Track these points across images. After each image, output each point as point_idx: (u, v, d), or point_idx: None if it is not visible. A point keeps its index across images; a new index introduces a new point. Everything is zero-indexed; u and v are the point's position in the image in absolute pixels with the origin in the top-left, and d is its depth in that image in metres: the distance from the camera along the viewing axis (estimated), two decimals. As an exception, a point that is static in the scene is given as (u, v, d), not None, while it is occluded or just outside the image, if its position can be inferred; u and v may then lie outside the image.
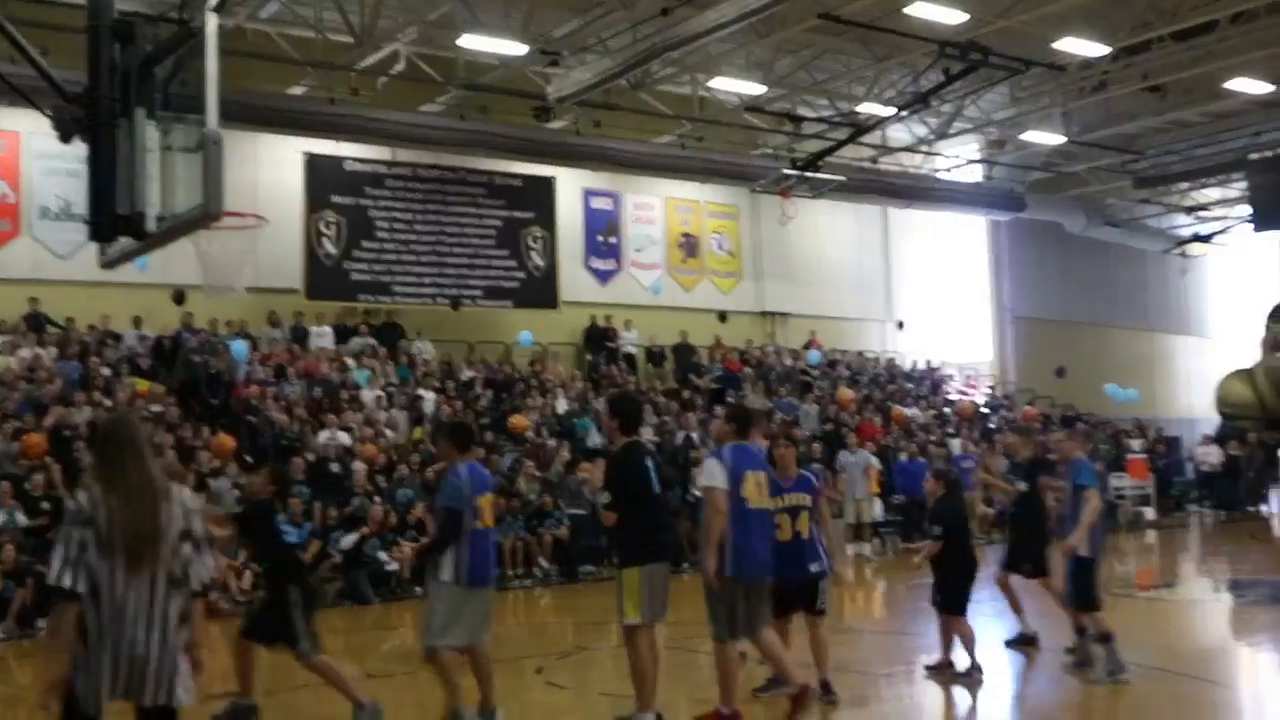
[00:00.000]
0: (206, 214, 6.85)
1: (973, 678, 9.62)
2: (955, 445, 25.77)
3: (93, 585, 4.86)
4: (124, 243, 7.52)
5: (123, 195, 7.07)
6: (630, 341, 27.62)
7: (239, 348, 21.41)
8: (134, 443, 5.14)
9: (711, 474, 8.04)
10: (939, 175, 30.73)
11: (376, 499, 18.38)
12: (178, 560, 5.01)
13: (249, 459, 19.20)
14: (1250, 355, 33.47)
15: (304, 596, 8.63)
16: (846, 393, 26.88)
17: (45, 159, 21.60)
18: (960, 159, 30.66)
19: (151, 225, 7.08)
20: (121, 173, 7.05)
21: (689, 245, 30.02)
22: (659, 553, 8.14)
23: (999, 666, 10.10)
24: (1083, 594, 9.75)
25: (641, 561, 7.97)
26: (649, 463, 8.24)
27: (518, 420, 21.97)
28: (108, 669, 4.88)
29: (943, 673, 9.81)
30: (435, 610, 8.30)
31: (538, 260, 26.69)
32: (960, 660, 9.80)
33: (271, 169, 23.37)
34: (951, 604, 9.78)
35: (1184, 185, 33.40)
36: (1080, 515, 9.73)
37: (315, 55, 21.93)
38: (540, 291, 26.66)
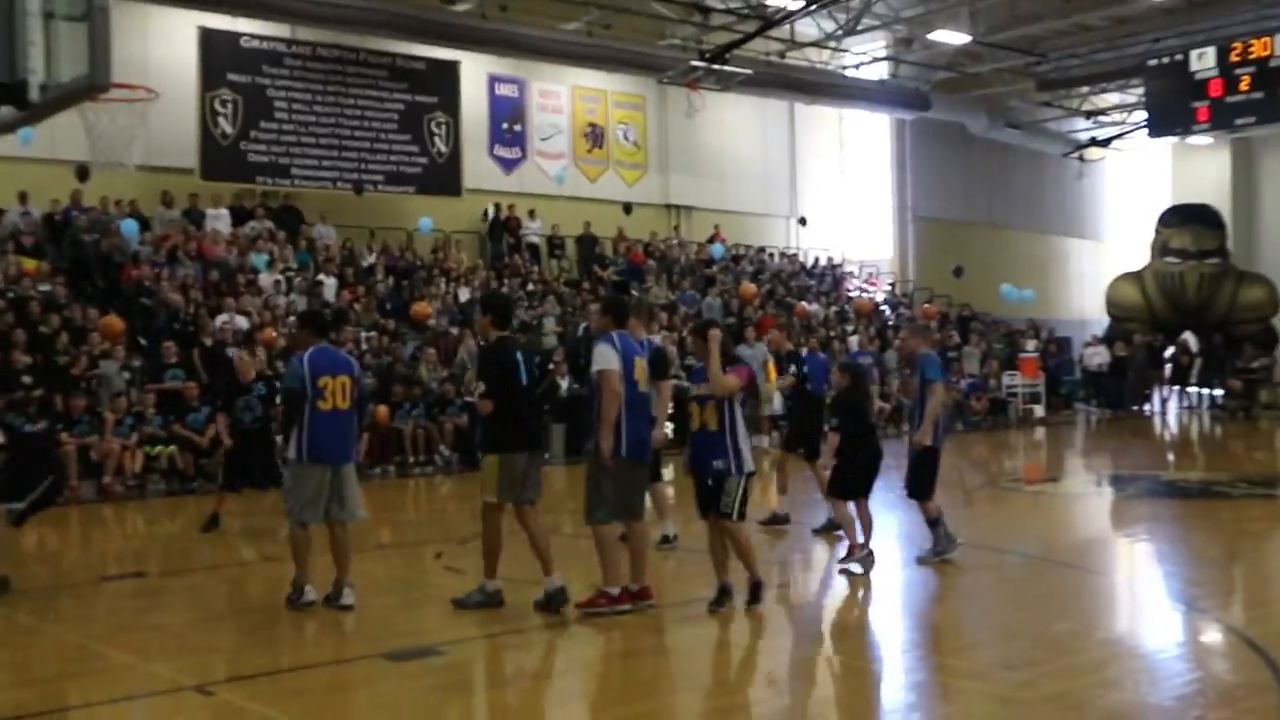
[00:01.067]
0: (93, 84, 6.62)
1: (865, 559, 9.84)
2: (853, 342, 26.10)
3: None
4: (5, 112, 7.23)
5: (3, 62, 6.77)
6: (534, 231, 27.40)
7: (129, 226, 20.80)
8: None
9: (606, 358, 8.13)
10: (846, 72, 30.67)
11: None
12: None
13: (142, 341, 18.81)
14: (1140, 259, 34.26)
15: None
16: (749, 287, 27.01)
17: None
18: (867, 56, 30.61)
19: (35, 94, 6.80)
20: (1, 37, 6.74)
21: (595, 135, 29.72)
22: (521, 443, 8.39)
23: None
24: (924, 484, 10.07)
25: (502, 450, 8.32)
26: (519, 357, 8.51)
27: (420, 308, 21.74)
28: None
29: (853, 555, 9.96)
30: (286, 488, 8.79)
31: (441, 146, 26.23)
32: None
33: (164, 43, 22.54)
34: (854, 490, 9.97)
35: (1084, 89, 33.74)
36: (927, 408, 10.00)
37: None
38: (443, 178, 26.25)
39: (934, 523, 10.04)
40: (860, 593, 9.40)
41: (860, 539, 9.94)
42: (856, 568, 9.69)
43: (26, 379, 16.19)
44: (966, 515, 14.23)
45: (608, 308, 8.78)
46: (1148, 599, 9.53)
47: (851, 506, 10.01)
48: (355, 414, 8.81)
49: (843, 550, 10.14)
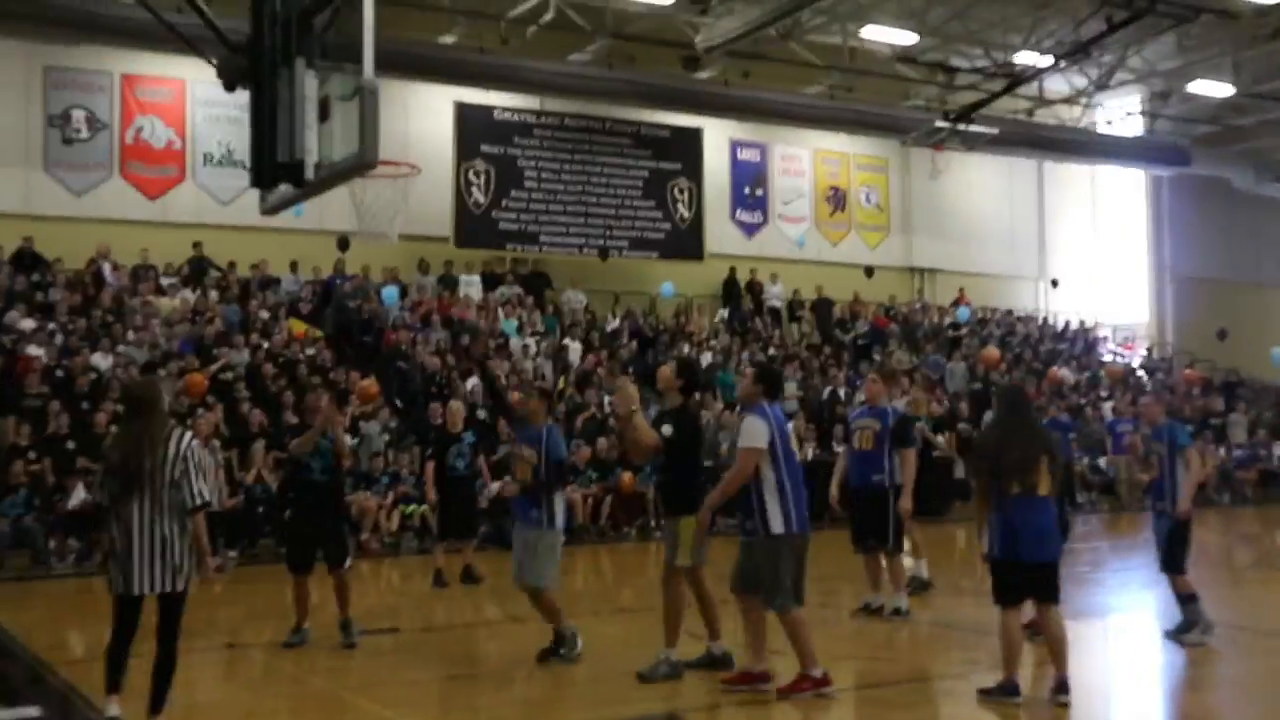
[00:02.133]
0: (362, 162, 6.94)
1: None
2: (1107, 409, 25.04)
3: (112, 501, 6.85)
4: (283, 189, 7.68)
5: (283, 143, 7.19)
6: (775, 295, 27.44)
7: (390, 293, 21.87)
8: (140, 402, 7.12)
9: (755, 434, 7.76)
10: (1098, 128, 29.69)
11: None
12: (169, 487, 6.71)
13: (398, 403, 19.63)
14: None
15: None
16: (992, 352, 26.26)
17: (209, 106, 22.34)
18: (1121, 111, 29.57)
19: (310, 173, 7.21)
20: (282, 121, 7.18)
21: (837, 198, 29.65)
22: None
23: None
24: (1179, 557, 9.55)
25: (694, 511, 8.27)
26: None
27: (664, 372, 21.93)
28: (114, 564, 6.83)
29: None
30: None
31: (684, 212, 26.64)
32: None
33: (422, 118, 23.72)
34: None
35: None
36: (1185, 476, 9.50)
37: (466, 4, 22.12)
38: (686, 243, 26.64)
39: (1188, 599, 9.47)
40: (1111, 671, 8.93)
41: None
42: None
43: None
44: (1234, 596, 13.39)
45: (761, 376, 8.27)
46: None
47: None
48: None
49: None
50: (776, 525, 7.69)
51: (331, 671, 8.86)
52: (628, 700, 7.86)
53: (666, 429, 8.49)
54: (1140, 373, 29.75)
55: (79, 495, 15.46)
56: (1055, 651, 7.69)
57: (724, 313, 26.36)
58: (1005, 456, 7.71)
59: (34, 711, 7.82)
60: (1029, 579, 7.68)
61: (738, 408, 10.28)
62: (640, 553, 17.36)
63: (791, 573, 7.78)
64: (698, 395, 9.00)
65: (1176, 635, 9.45)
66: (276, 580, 12.54)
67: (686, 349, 24.03)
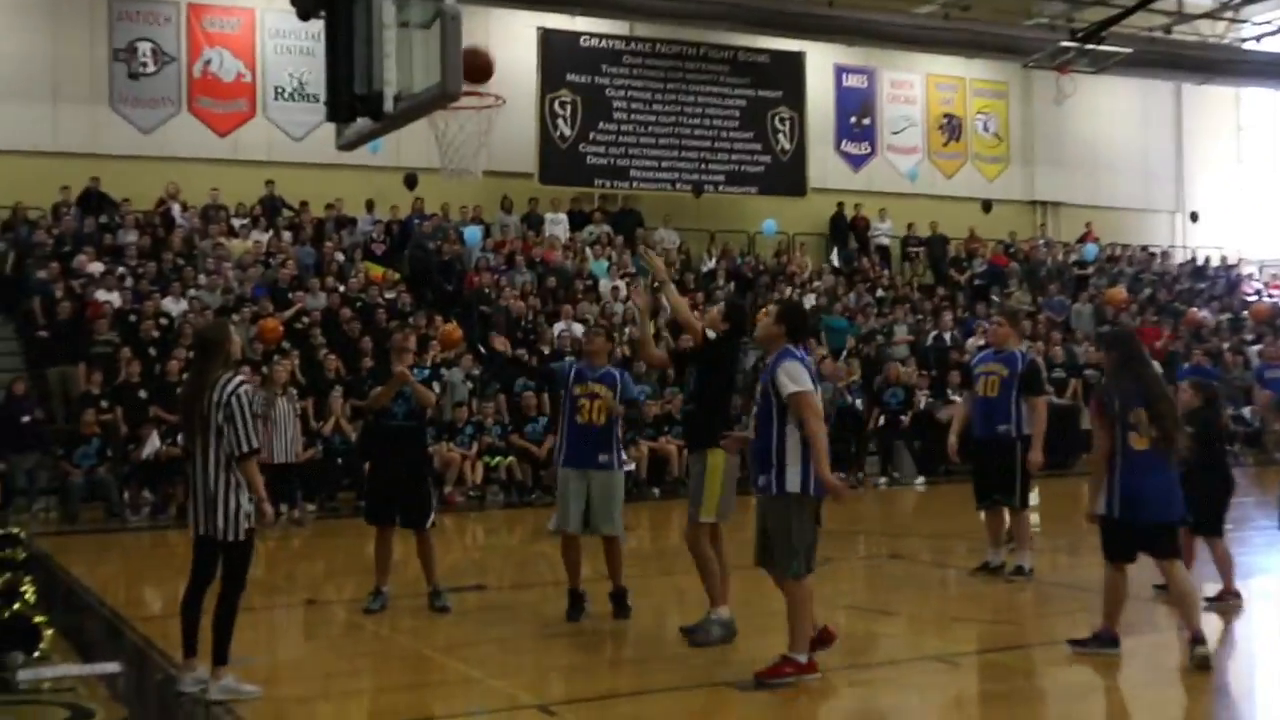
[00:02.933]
0: (444, 93, 6.97)
1: (1227, 604, 9.27)
2: (1253, 353, 24.45)
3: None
4: (360, 124, 7.75)
5: (360, 74, 7.25)
6: (884, 232, 27.16)
7: (472, 234, 22.05)
8: (202, 345, 7.58)
9: (798, 377, 7.32)
10: (1245, 45, 28.80)
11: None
12: (215, 433, 7.01)
13: (482, 349, 19.81)
14: None
15: None
16: (1118, 292, 25.79)
17: (280, 37, 22.65)
18: (1271, 25, 28.63)
19: (389, 105, 7.26)
20: (359, 50, 7.22)
21: (951, 127, 29.20)
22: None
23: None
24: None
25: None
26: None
27: (759, 316, 21.92)
28: (191, 503, 7.27)
29: (1223, 601, 9.40)
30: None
31: (785, 143, 26.42)
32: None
33: (504, 46, 23.60)
34: (1209, 524, 9.31)
35: None
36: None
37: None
38: (787, 177, 26.43)
39: None
40: (1249, 644, 8.81)
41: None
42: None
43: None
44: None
45: (783, 316, 7.78)
46: None
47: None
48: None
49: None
50: (793, 483, 7.29)
51: (415, 631, 9.06)
52: (725, 663, 7.93)
53: (710, 334, 8.52)
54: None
55: (152, 445, 15.90)
56: (1185, 606, 7.68)
57: (834, 253, 26.18)
58: (1125, 407, 7.64)
59: (112, 667, 8.11)
60: (1146, 539, 7.66)
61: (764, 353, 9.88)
62: (743, 505, 17.38)
63: (808, 537, 7.44)
64: (748, 335, 8.99)
65: None
66: (356, 535, 12.82)
67: (788, 291, 23.91)
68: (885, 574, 11.91)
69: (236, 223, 21.57)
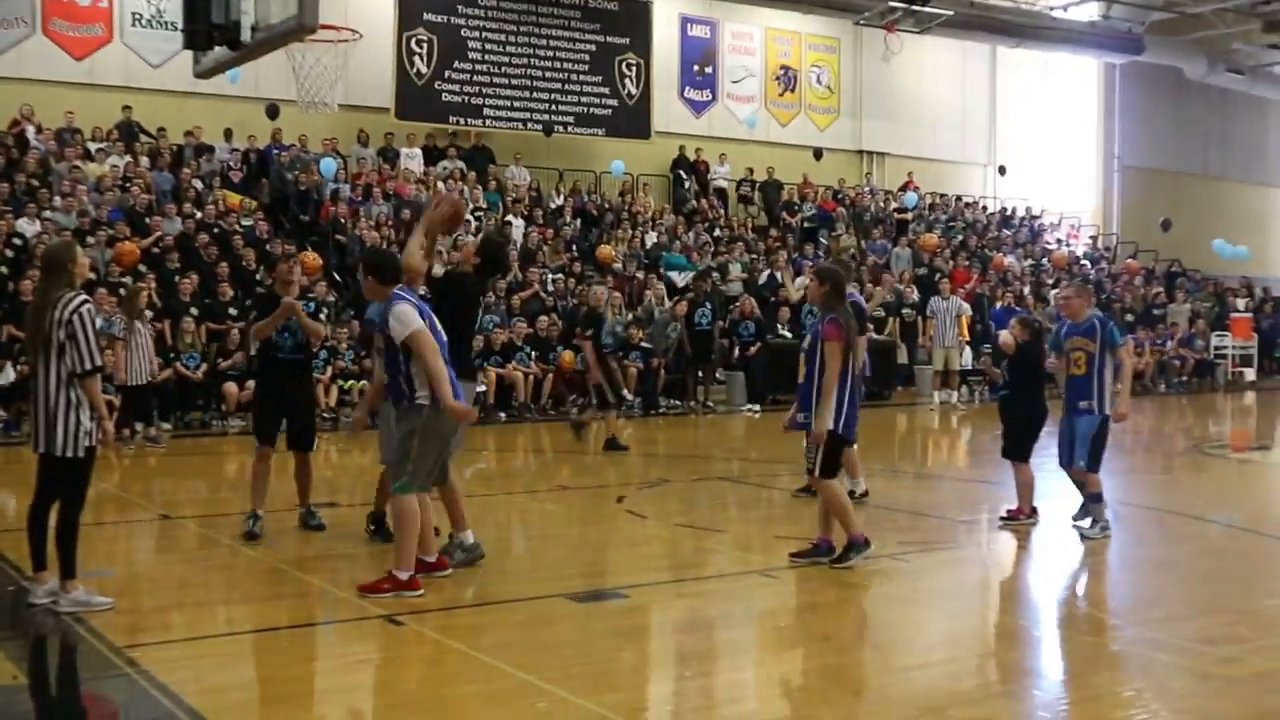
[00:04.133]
0: (301, 26, 6.82)
1: (1025, 521, 9.69)
2: (1053, 296, 25.31)
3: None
4: (217, 52, 7.52)
5: (218, 3, 7.03)
6: (723, 176, 27.33)
7: (328, 165, 21.53)
8: (46, 263, 7.24)
9: (407, 320, 7.23)
10: (1053, 13, 29.56)
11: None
12: (55, 350, 6.73)
13: (337, 277, 19.47)
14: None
15: None
16: (930, 238, 26.44)
17: (139, -36, 21.64)
18: (1075, -3, 29.46)
19: (246, 35, 7.05)
20: (216, -22, 7.01)
21: (787, 79, 29.41)
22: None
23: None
24: (1098, 456, 9.44)
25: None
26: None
27: (604, 251, 21.98)
28: (31, 421, 6.96)
29: (1015, 520, 9.81)
30: None
31: (631, 88, 26.31)
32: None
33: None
34: (1015, 452, 9.77)
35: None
36: (1120, 374, 9.43)
37: None
38: (633, 121, 26.35)
39: (1098, 497, 9.52)
40: (1043, 559, 9.19)
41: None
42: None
43: (232, 311, 16.97)
44: (1166, 481, 13.78)
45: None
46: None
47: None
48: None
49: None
50: (422, 399, 7.25)
51: (267, 545, 8.90)
52: (564, 579, 7.97)
53: (437, 269, 8.31)
54: (1084, 261, 30.10)
55: (6, 375, 15.28)
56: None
57: (677, 191, 26.26)
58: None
59: (-36, 581, 7.80)
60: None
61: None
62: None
63: (425, 458, 7.36)
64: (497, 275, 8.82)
65: (1092, 535, 9.43)
66: (209, 454, 12.53)
67: (632, 229, 23.95)
68: (716, 494, 12.09)
69: (93, 147, 20.68)
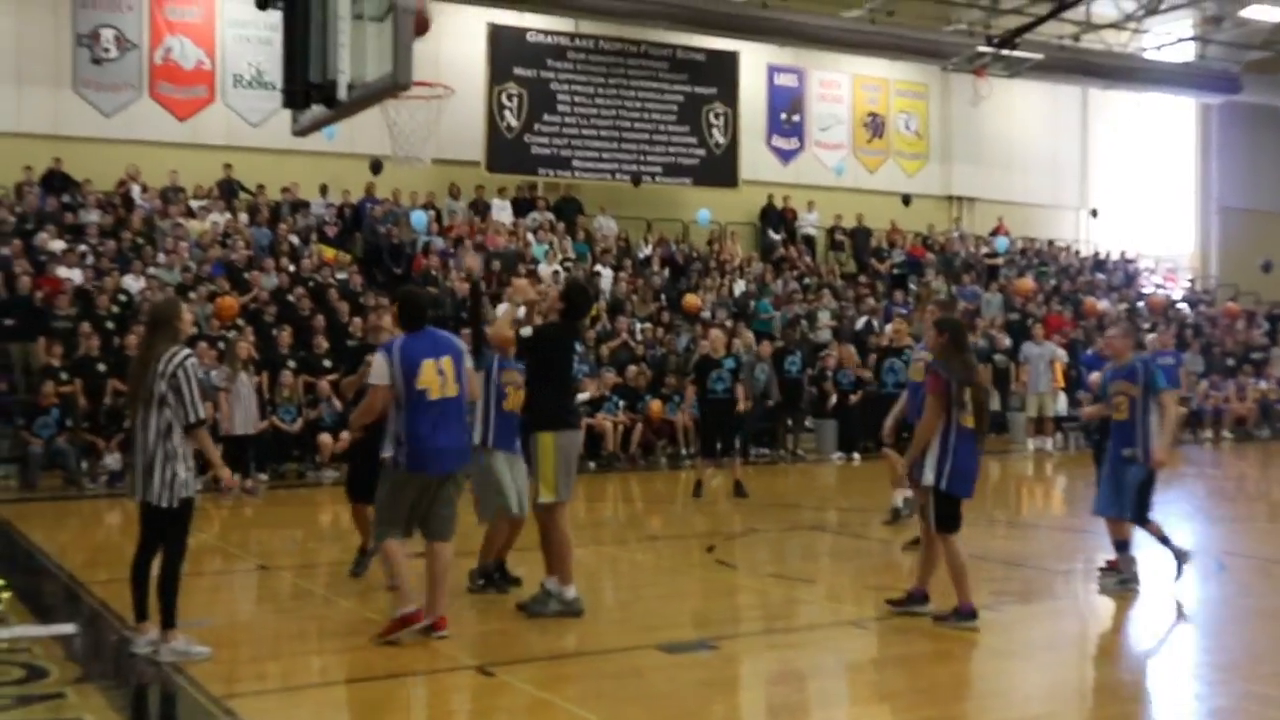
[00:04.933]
0: (395, 83, 6.91)
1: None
2: (1150, 340, 24.78)
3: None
4: (315, 111, 7.66)
5: (315, 62, 7.18)
6: (810, 223, 27.29)
7: (419, 218, 21.87)
8: (151, 319, 7.41)
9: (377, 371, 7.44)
10: (1146, 54, 29.17)
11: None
12: (156, 403, 6.90)
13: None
14: None
15: None
16: (1025, 283, 26.10)
17: (239, 26, 22.34)
18: (1171, 36, 29.01)
19: (342, 93, 7.19)
20: (314, 40, 7.15)
21: (875, 125, 29.35)
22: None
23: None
24: (1145, 506, 9.05)
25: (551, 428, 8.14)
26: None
27: (691, 300, 22.01)
28: (130, 472, 7.15)
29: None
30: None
31: (719, 138, 26.43)
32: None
33: (455, 40, 23.55)
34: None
35: None
36: (1164, 423, 8.97)
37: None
38: (720, 170, 26.45)
39: (1125, 545, 9.16)
40: (1143, 611, 8.95)
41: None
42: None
43: (326, 363, 17.25)
44: (1272, 530, 13.42)
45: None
46: None
47: None
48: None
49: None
50: (387, 453, 7.51)
51: (360, 595, 8.98)
52: (655, 629, 7.93)
53: (526, 330, 8.30)
54: (1183, 305, 29.47)
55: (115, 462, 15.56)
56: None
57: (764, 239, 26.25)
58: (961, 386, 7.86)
59: (68, 629, 7.98)
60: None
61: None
62: (671, 480, 17.46)
63: (393, 508, 7.50)
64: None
65: (1110, 590, 9.16)
66: (304, 504, 12.68)
67: (720, 277, 23.97)
68: (806, 544, 11.98)
69: (195, 204, 21.26)
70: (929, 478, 7.85)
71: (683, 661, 7.13)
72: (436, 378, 7.44)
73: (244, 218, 21.14)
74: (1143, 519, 9.10)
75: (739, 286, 23.84)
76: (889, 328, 16.31)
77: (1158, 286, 30.36)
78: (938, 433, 7.82)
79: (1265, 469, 19.15)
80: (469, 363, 7.86)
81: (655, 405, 18.86)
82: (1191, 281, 31.84)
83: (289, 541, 12.21)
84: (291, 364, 17.15)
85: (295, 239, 20.98)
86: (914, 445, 7.96)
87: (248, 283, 18.99)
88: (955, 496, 7.93)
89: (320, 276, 19.97)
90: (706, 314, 22.06)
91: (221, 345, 16.20)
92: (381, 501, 7.63)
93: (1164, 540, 9.16)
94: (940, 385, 7.86)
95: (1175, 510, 12.57)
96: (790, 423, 20.32)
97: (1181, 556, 9.13)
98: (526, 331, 8.32)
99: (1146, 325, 26.45)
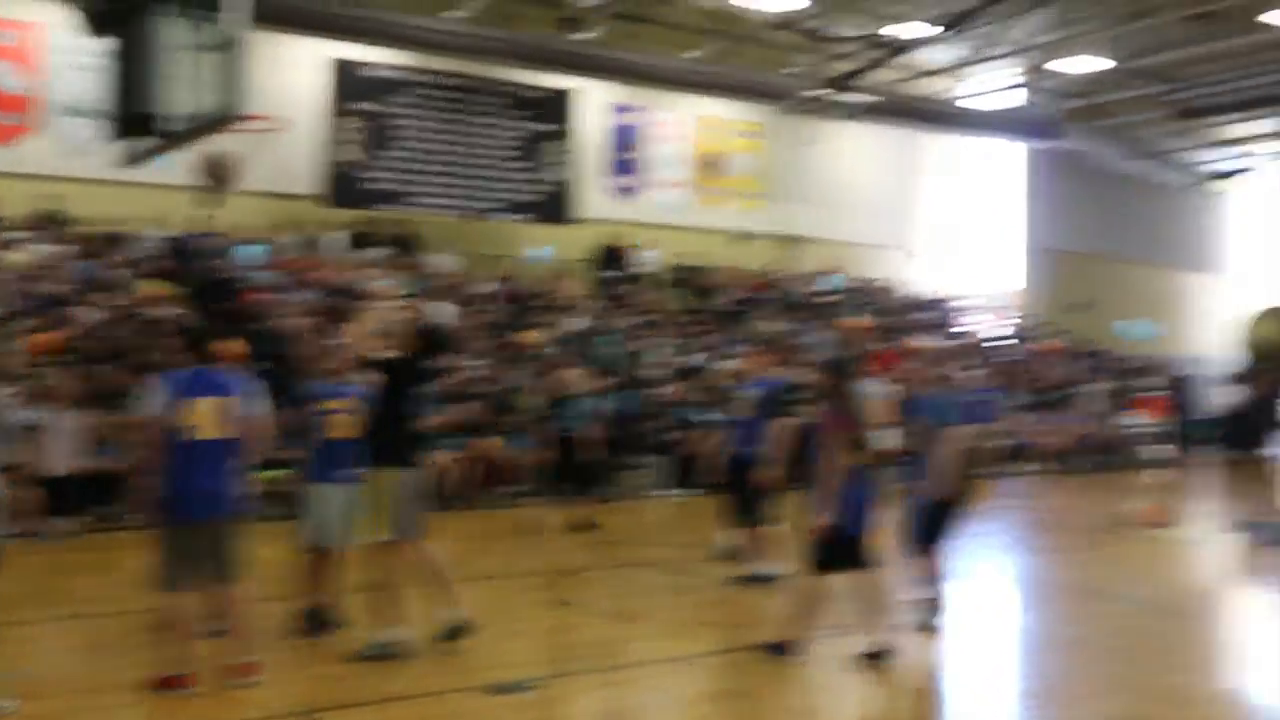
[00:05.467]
0: (228, 115, 6.88)
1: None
2: (962, 378, 25.66)
3: None
4: (147, 141, 7.55)
5: (148, 92, 7.09)
6: (650, 260, 27.60)
7: (251, 251, 21.48)
8: None
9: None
10: (974, 99, 30.34)
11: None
12: None
13: (259, 364, 19.28)
14: (1269, 294, 33.36)
15: None
16: (860, 320, 26.84)
17: (65, 54, 21.59)
18: (993, 84, 30.26)
19: (175, 124, 7.11)
20: (147, 70, 7.07)
21: (714, 164, 29.86)
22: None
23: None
24: (932, 536, 9.31)
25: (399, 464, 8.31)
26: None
27: (526, 335, 22.08)
28: None
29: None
30: None
31: (559, 174, 26.60)
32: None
33: (295, 72, 23.26)
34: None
35: (1219, 119, 32.77)
36: (941, 457, 9.23)
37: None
38: (561, 206, 26.61)
39: (924, 581, 9.47)
40: (960, 638, 9.29)
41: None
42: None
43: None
44: (1085, 560, 14.00)
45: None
46: (1267, 652, 9.27)
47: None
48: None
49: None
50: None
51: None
52: (482, 670, 7.94)
53: (384, 354, 8.38)
54: (1011, 342, 30.58)
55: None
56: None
57: (603, 276, 26.47)
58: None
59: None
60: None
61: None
62: (509, 518, 17.42)
63: (180, 555, 7.37)
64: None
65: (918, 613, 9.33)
66: (132, 547, 12.21)
67: (560, 314, 24.07)
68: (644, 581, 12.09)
69: (14, 236, 20.46)
70: (827, 518, 8.00)
71: (508, 702, 7.17)
72: (208, 416, 7.28)
73: (68, 250, 20.43)
74: (925, 547, 9.26)
75: (578, 323, 23.96)
76: (731, 364, 16.65)
77: (973, 326, 31.43)
78: (837, 473, 7.99)
79: (1083, 500, 19.96)
80: (258, 405, 7.69)
81: (495, 443, 18.80)
82: (1021, 320, 33.09)
83: (109, 587, 11.83)
84: (116, 401, 16.61)
85: (122, 272, 20.36)
86: (820, 488, 8.10)
87: (70, 318, 18.38)
88: (847, 536, 8.06)
89: (145, 311, 19.39)
90: (547, 350, 22.12)
91: (42, 383, 15.61)
92: (161, 554, 7.35)
93: (933, 580, 9.28)
94: (836, 425, 8.07)
95: (996, 542, 13.05)
96: (621, 459, 20.37)
97: (935, 608, 9.25)
98: (384, 355, 8.29)
99: (963, 364, 27.41)
